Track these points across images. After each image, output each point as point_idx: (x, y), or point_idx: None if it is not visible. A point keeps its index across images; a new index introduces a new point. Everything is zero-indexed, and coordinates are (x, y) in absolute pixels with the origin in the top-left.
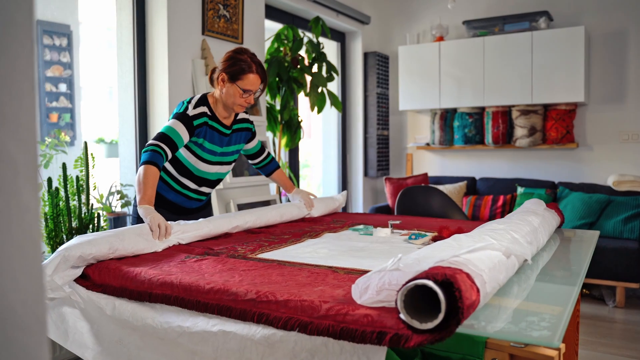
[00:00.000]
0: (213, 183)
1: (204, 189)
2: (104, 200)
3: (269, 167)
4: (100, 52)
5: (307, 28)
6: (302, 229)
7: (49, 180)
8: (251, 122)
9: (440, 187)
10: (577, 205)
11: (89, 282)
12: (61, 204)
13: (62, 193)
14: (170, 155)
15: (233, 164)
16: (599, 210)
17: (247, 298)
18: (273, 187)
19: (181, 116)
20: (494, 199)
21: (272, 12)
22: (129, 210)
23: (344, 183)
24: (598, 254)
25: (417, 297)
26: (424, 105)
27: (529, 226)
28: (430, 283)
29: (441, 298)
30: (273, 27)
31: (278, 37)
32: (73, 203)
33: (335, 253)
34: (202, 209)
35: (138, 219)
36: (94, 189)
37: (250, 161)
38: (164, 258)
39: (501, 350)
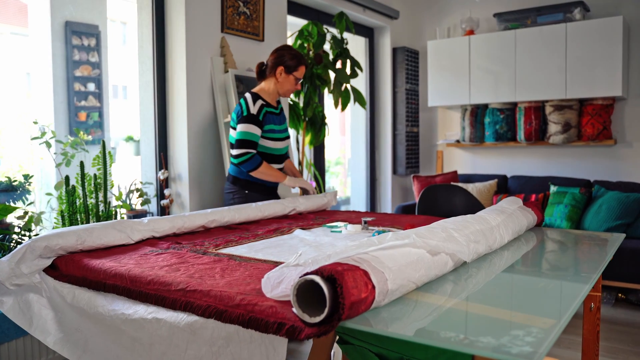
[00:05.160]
0: (284, 158)
1: (280, 165)
2: (123, 198)
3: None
4: (129, 50)
5: (333, 24)
6: (280, 225)
7: (67, 179)
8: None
9: (471, 185)
10: (613, 205)
11: (57, 272)
12: (78, 202)
13: (79, 191)
14: (256, 152)
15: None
16: (637, 211)
17: (179, 288)
18: None
19: (248, 117)
20: (525, 197)
21: (296, 8)
22: (149, 207)
23: (372, 181)
24: (636, 256)
25: (317, 292)
26: (454, 101)
27: (481, 225)
28: (317, 278)
29: (326, 293)
30: (298, 23)
31: (301, 33)
32: (91, 201)
33: (293, 249)
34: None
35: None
36: (112, 187)
37: None
38: (129, 251)
39: None
